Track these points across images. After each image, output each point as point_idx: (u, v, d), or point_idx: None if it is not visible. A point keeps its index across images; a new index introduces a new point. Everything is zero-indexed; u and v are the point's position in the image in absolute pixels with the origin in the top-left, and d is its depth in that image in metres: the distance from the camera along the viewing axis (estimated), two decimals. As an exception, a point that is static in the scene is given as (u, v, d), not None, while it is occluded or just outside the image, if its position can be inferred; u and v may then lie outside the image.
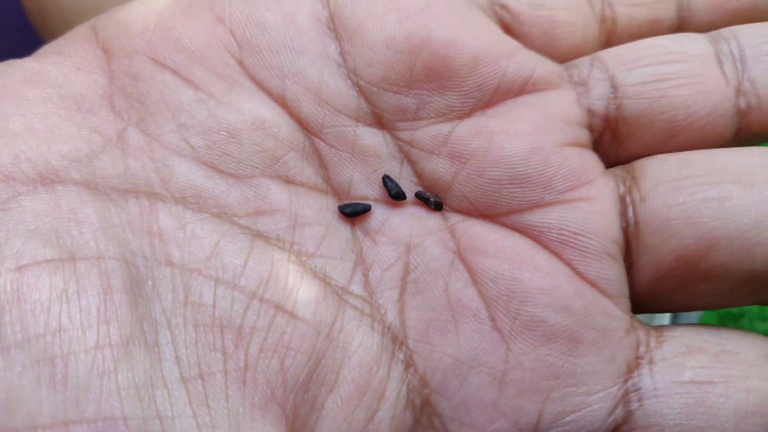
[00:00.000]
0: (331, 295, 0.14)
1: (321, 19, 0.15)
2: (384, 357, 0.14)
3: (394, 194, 0.15)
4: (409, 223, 0.15)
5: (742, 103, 0.15)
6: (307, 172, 0.15)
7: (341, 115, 0.15)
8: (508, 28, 0.16)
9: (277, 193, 0.15)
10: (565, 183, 0.15)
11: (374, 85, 0.15)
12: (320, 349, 0.13)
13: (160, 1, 0.16)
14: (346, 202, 0.15)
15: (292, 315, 0.13)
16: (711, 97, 0.15)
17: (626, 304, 0.15)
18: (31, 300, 0.12)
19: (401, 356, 0.14)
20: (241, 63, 0.15)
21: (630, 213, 0.15)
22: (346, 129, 0.15)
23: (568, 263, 0.14)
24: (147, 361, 0.12)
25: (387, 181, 0.15)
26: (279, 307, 0.13)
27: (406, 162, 0.15)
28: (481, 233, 0.15)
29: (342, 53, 0.15)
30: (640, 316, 0.15)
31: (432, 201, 0.15)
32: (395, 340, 0.14)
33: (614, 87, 0.15)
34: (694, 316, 0.58)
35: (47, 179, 0.13)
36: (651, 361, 0.14)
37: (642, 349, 0.14)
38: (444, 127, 0.15)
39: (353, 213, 0.15)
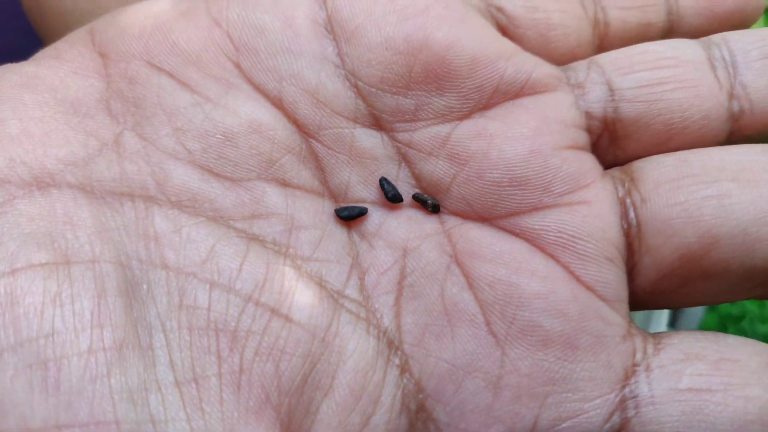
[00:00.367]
0: (327, 299, 0.14)
1: (319, 21, 0.15)
2: (379, 361, 0.14)
3: (391, 197, 0.15)
4: (406, 226, 0.15)
5: (735, 107, 0.15)
6: (304, 175, 0.15)
7: (339, 116, 0.15)
8: (504, 31, 0.17)
9: (273, 197, 0.15)
10: (563, 186, 0.15)
11: (372, 86, 0.15)
12: (315, 353, 0.13)
13: (157, 5, 0.16)
14: (343, 205, 0.15)
15: (288, 319, 0.13)
16: (705, 101, 0.15)
17: (624, 308, 0.15)
18: (25, 303, 0.12)
19: (397, 361, 0.14)
20: (238, 66, 0.15)
21: (631, 215, 0.15)
22: (343, 131, 0.15)
23: (565, 267, 0.14)
24: (141, 364, 0.12)
25: (384, 184, 0.15)
26: (274, 311, 0.13)
27: (404, 164, 0.15)
28: (478, 237, 0.15)
29: (340, 54, 0.15)
30: (639, 317, 0.15)
31: (429, 203, 0.15)
32: (391, 344, 0.14)
33: (611, 90, 0.16)
34: (696, 316, 0.58)
35: (43, 183, 0.13)
36: (648, 368, 0.14)
37: (639, 355, 0.14)
38: (443, 129, 0.15)
39: (349, 216, 0.15)
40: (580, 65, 0.16)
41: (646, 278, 0.15)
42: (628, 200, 0.15)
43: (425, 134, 0.15)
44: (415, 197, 0.15)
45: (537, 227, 0.15)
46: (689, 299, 0.15)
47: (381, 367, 0.14)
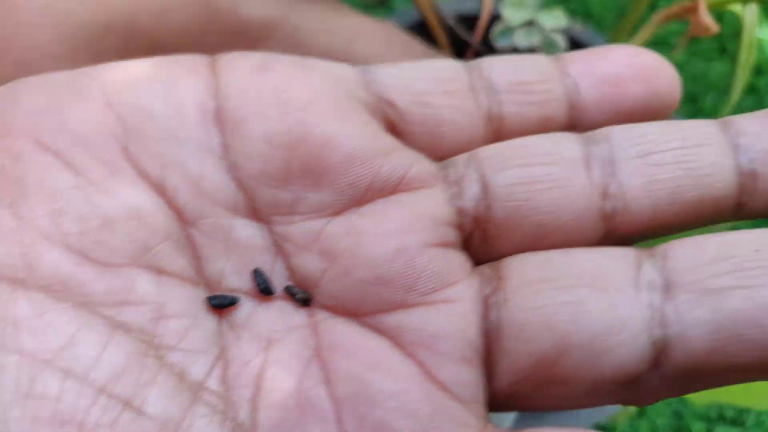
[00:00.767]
0: (185, 392, 0.14)
1: (208, 111, 0.15)
2: None
3: (262, 289, 0.15)
4: (274, 317, 0.15)
5: (608, 207, 0.15)
6: (180, 263, 0.15)
7: (218, 206, 0.15)
8: (394, 126, 0.16)
9: (145, 284, 0.14)
10: (428, 285, 0.14)
11: (252, 178, 0.15)
12: None
13: (53, 80, 0.16)
14: (216, 294, 0.15)
15: (139, 411, 0.13)
16: (576, 201, 0.15)
17: (480, 409, 0.14)
18: None
19: None
20: (125, 149, 0.15)
21: (493, 315, 0.14)
22: (222, 221, 0.15)
23: (422, 366, 0.14)
24: None
25: (257, 276, 0.15)
26: (127, 403, 0.13)
27: (280, 256, 0.15)
28: (342, 332, 0.15)
29: (224, 145, 0.15)
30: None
31: (299, 297, 0.15)
32: None
33: (485, 187, 0.15)
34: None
35: None
36: None
37: None
38: (317, 224, 0.15)
39: (220, 305, 0.15)
40: (461, 160, 0.16)
41: (504, 380, 0.14)
42: (492, 299, 0.15)
43: (300, 228, 0.15)
44: (287, 289, 0.15)
45: (399, 326, 0.14)
46: (544, 404, 0.15)
47: None
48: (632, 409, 0.46)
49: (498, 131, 0.17)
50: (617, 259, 0.14)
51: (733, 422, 0.50)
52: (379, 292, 0.15)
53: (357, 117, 0.16)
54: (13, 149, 0.15)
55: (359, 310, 0.15)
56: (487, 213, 0.15)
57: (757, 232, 0.14)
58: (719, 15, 0.30)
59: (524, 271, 0.15)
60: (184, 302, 0.15)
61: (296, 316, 0.15)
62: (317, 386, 0.14)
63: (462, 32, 0.41)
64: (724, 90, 0.58)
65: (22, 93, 0.15)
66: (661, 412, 0.50)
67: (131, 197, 0.15)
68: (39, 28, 0.21)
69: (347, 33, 0.25)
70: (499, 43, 0.33)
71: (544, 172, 0.15)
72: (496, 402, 0.15)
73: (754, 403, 0.34)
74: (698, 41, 0.59)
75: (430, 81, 0.16)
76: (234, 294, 0.15)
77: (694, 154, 0.15)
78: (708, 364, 0.13)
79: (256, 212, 0.15)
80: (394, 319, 0.15)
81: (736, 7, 0.29)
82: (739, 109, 0.60)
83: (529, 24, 0.33)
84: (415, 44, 0.29)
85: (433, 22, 0.39)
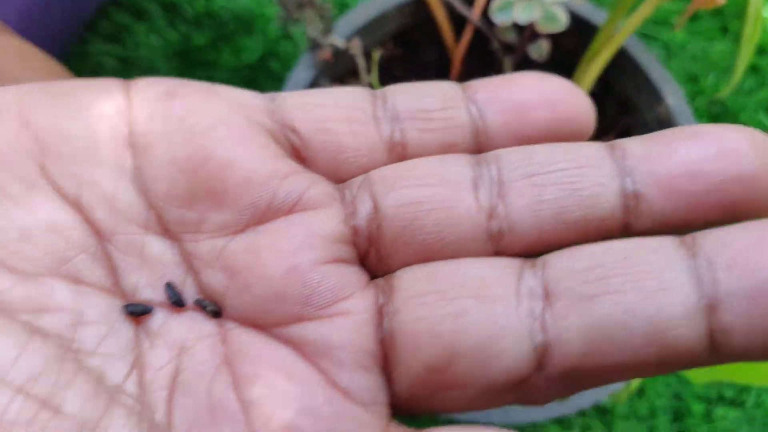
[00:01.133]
0: (103, 393, 0.14)
1: (120, 134, 0.16)
2: None
3: (174, 302, 0.16)
4: (186, 327, 0.16)
5: (495, 227, 0.16)
6: (97, 274, 0.16)
7: (131, 224, 0.16)
8: (297, 152, 0.17)
9: (63, 292, 0.15)
10: (322, 299, 0.15)
11: (161, 198, 0.16)
12: None
13: None
14: (132, 302, 0.16)
15: (57, 411, 0.14)
16: (461, 222, 0.16)
17: (382, 411, 0.15)
18: None
19: None
20: (42, 167, 0.16)
21: (386, 325, 0.15)
22: (135, 237, 0.16)
23: (324, 373, 0.15)
24: None
25: (168, 289, 0.16)
26: (45, 403, 0.14)
27: (190, 271, 0.16)
28: (248, 341, 0.15)
29: (135, 168, 0.16)
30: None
31: (209, 309, 0.16)
32: None
33: (375, 208, 0.16)
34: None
35: None
36: None
37: None
38: (220, 242, 0.16)
39: (135, 312, 0.16)
40: (356, 182, 0.17)
41: (402, 385, 0.15)
42: (385, 310, 0.15)
43: (206, 246, 0.16)
44: (197, 302, 0.16)
45: (299, 337, 0.15)
46: (443, 406, 0.15)
47: None
48: (632, 390, 0.46)
49: (401, 157, 0.17)
50: (501, 268, 0.15)
51: (733, 403, 0.50)
52: (278, 307, 0.15)
53: (256, 142, 0.16)
54: None
55: (262, 323, 0.16)
56: (378, 232, 0.16)
57: (626, 241, 0.15)
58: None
59: (413, 282, 0.15)
60: (102, 310, 0.15)
61: (207, 326, 0.16)
62: (226, 390, 0.15)
63: (461, 8, 0.41)
64: (725, 70, 0.57)
65: None
66: (660, 393, 0.50)
67: (48, 212, 0.15)
68: None
69: None
70: (498, 18, 0.33)
71: (430, 192, 0.16)
72: (398, 404, 0.16)
73: (756, 381, 0.34)
74: (699, 20, 0.58)
75: (333, 108, 0.17)
76: (149, 304, 0.16)
77: (579, 175, 0.15)
78: (585, 365, 0.14)
79: (166, 230, 0.16)
80: (294, 331, 0.15)
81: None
82: (741, 90, 0.61)
83: (529, -2, 0.33)
84: (54, 64, 0.32)
85: (431, -1, 0.39)
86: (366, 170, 0.17)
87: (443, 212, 0.16)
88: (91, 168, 0.16)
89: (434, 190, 0.16)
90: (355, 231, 0.16)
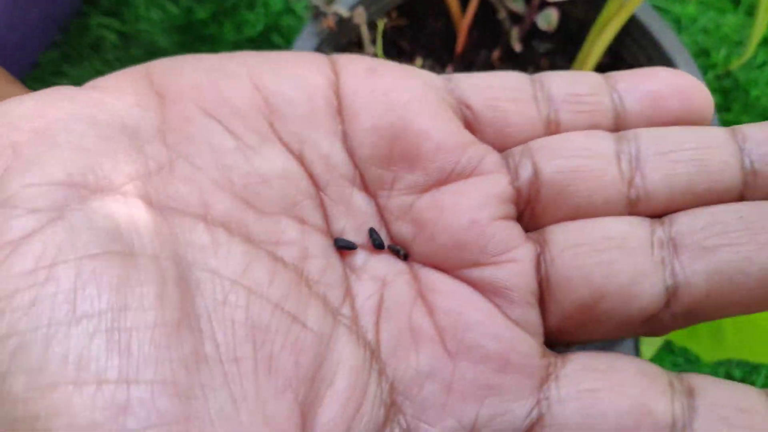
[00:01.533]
0: (329, 314, 0.17)
1: (331, 103, 0.19)
2: (365, 365, 0.17)
3: (377, 244, 0.19)
4: (384, 265, 0.19)
5: (633, 195, 0.19)
6: (316, 217, 0.19)
7: (342, 178, 0.19)
8: (469, 124, 0.20)
9: (292, 230, 0.18)
10: (496, 249, 0.18)
11: (363, 160, 0.19)
12: (322, 353, 0.17)
13: (205, 61, 0.19)
14: (341, 238, 0.19)
15: (304, 325, 0.17)
16: (608, 189, 0.19)
17: (541, 338, 0.18)
18: (102, 282, 0.14)
19: (376, 366, 0.18)
20: (271, 125, 0.18)
21: (543, 271, 0.18)
22: (344, 189, 0.19)
23: (498, 307, 0.18)
24: (192, 341, 0.15)
25: (372, 233, 0.19)
26: (295, 318, 0.17)
27: (382, 222, 0.19)
28: (435, 279, 0.19)
29: (344, 132, 0.19)
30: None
31: (401, 253, 0.19)
32: (372, 354, 0.18)
33: (536, 173, 0.19)
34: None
35: (110, 190, 0.16)
36: (557, 378, 0.18)
37: (551, 369, 0.18)
38: (409, 198, 0.19)
39: (345, 246, 0.19)
40: (516, 151, 0.20)
41: (553, 320, 0.18)
42: (542, 259, 0.19)
43: (396, 201, 0.19)
44: (389, 247, 0.19)
45: (477, 278, 0.18)
46: (586, 336, 0.19)
47: (366, 370, 0.17)
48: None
49: (555, 133, 0.20)
50: (636, 224, 0.18)
51: (742, 382, 0.50)
52: (459, 253, 0.18)
53: (444, 116, 0.19)
54: (184, 113, 0.18)
55: (444, 266, 0.19)
56: (537, 194, 0.19)
57: (740, 204, 0.18)
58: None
59: (565, 236, 0.18)
60: (321, 247, 0.18)
61: (400, 265, 0.19)
62: (424, 317, 0.18)
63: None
64: (737, 43, 0.56)
65: (183, 68, 0.19)
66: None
67: (281, 162, 0.18)
68: None
69: None
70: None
71: (583, 162, 0.19)
72: (548, 336, 0.18)
73: (765, 359, 0.34)
74: (710, -6, 0.57)
75: (501, 89, 0.20)
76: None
77: (707, 154, 0.18)
78: (707, 304, 0.17)
79: (366, 186, 0.19)
80: (473, 273, 0.18)
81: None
82: (752, 64, 0.59)
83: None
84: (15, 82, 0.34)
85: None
86: (523, 142, 0.20)
87: (594, 181, 0.19)
88: (310, 130, 0.19)
89: (587, 161, 0.19)
90: (518, 192, 0.19)
